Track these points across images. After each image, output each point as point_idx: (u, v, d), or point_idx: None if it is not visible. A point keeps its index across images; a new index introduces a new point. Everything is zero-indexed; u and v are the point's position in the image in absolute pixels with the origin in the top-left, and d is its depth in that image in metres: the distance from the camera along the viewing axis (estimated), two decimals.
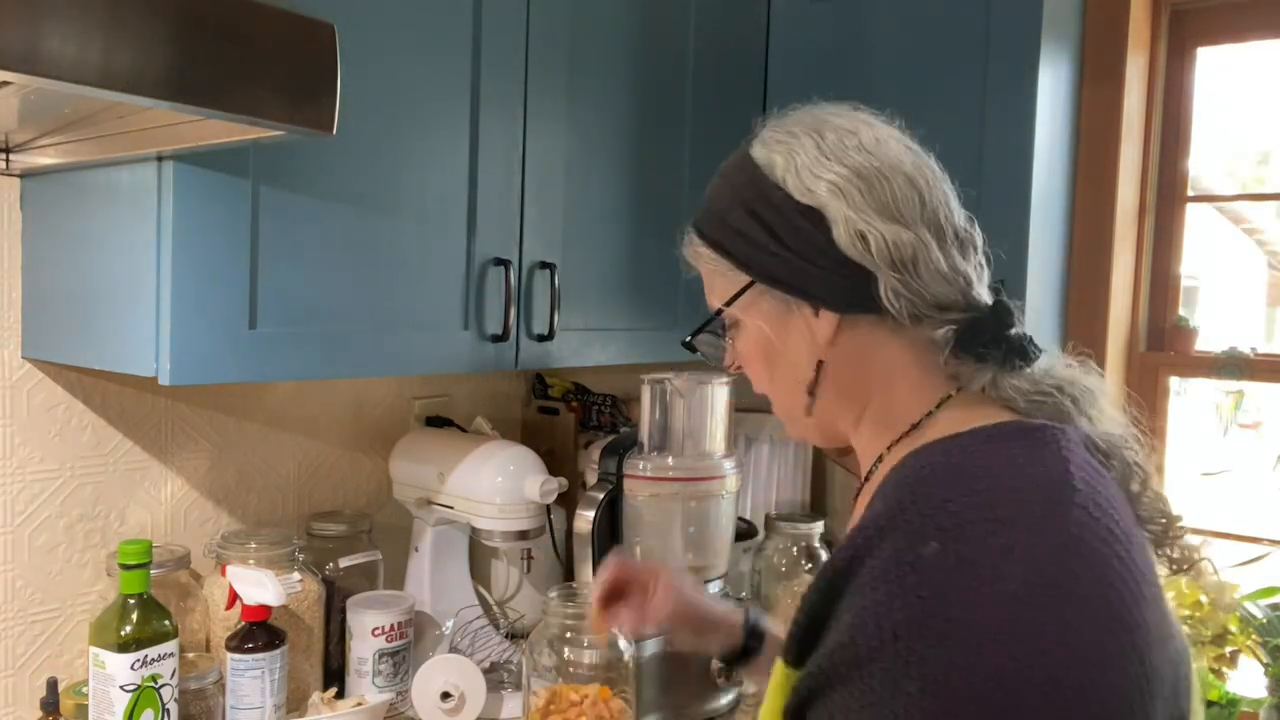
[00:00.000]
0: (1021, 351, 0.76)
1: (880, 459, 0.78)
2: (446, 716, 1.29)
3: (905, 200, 0.75)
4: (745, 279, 0.80)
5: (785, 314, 0.79)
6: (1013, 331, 0.76)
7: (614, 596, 1.08)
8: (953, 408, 0.76)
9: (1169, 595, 1.00)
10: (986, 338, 0.76)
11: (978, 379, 0.76)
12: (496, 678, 1.43)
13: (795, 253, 0.76)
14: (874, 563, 0.63)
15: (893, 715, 0.58)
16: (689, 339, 0.90)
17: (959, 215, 0.79)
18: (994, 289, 0.79)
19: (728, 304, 0.82)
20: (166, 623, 1.11)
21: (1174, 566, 0.75)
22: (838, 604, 0.65)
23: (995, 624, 0.58)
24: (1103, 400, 0.76)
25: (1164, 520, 0.74)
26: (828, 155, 0.76)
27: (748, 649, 1.07)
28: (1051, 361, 0.78)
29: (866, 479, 0.80)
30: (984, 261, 0.80)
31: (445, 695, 1.28)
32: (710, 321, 0.86)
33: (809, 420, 0.83)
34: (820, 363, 0.79)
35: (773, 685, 0.70)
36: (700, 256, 0.84)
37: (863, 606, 0.62)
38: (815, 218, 0.75)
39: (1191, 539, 0.76)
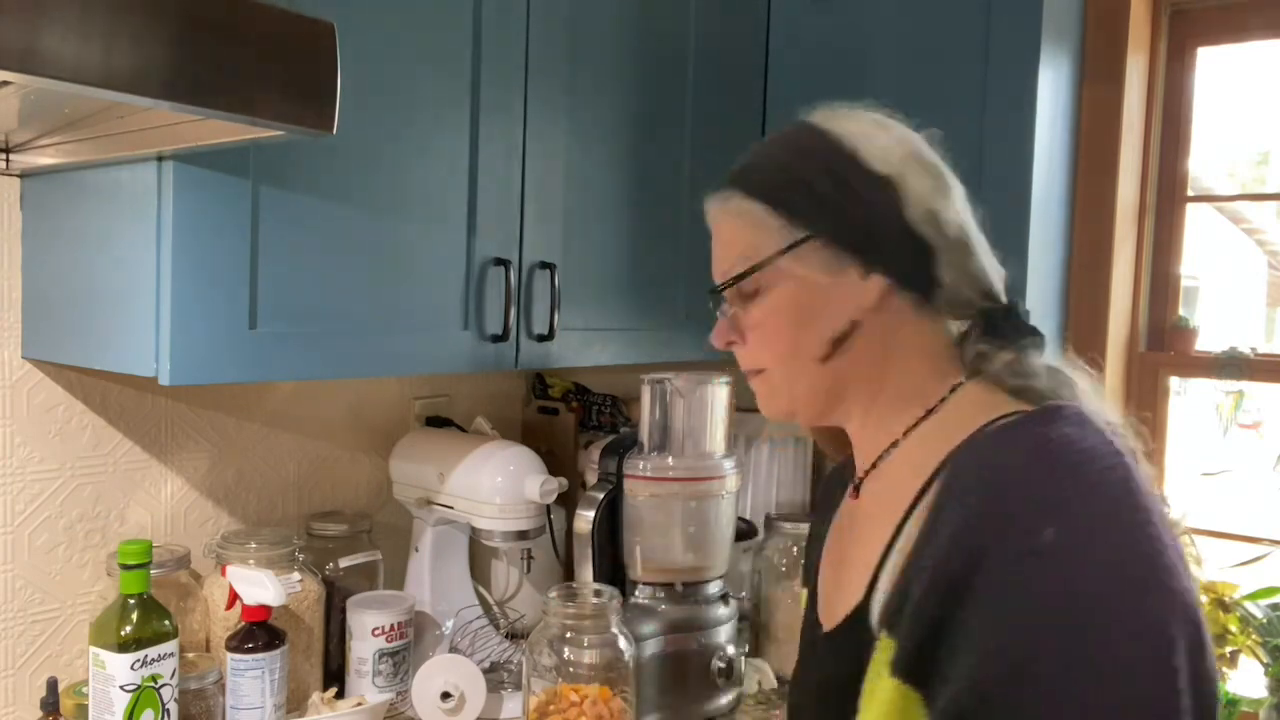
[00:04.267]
0: (1035, 335, 0.80)
1: (895, 444, 0.81)
2: (446, 716, 1.29)
3: (959, 195, 0.81)
4: (800, 234, 0.79)
5: (833, 272, 0.79)
6: (1027, 319, 0.81)
7: None
8: (966, 393, 0.79)
9: None
10: (1007, 324, 0.80)
11: (993, 364, 0.79)
12: (496, 678, 1.43)
13: (865, 214, 0.78)
14: (995, 563, 0.63)
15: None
16: (719, 287, 0.86)
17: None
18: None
19: (782, 252, 0.80)
20: (166, 623, 1.11)
21: None
22: (960, 611, 0.64)
23: (1133, 599, 0.61)
24: (1097, 388, 0.79)
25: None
26: (896, 142, 0.81)
27: None
28: (1045, 352, 0.82)
29: (874, 464, 0.83)
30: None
31: (445, 695, 1.28)
32: (749, 273, 0.82)
33: (835, 396, 0.83)
34: (855, 323, 0.79)
35: (885, 705, 0.69)
36: (739, 213, 0.83)
37: (999, 611, 0.62)
38: (889, 188, 0.78)
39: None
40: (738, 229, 0.84)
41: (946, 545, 0.66)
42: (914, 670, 0.67)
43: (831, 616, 0.82)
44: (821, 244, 0.79)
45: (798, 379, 0.83)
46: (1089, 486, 0.64)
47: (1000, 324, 0.80)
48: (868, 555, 0.77)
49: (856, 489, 0.86)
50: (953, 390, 0.80)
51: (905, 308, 0.80)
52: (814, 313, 0.80)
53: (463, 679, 1.29)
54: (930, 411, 0.79)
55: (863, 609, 0.75)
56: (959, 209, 0.81)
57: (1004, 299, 0.82)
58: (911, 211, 0.78)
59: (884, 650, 0.70)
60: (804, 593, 0.96)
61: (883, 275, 0.78)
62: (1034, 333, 0.81)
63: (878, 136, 0.80)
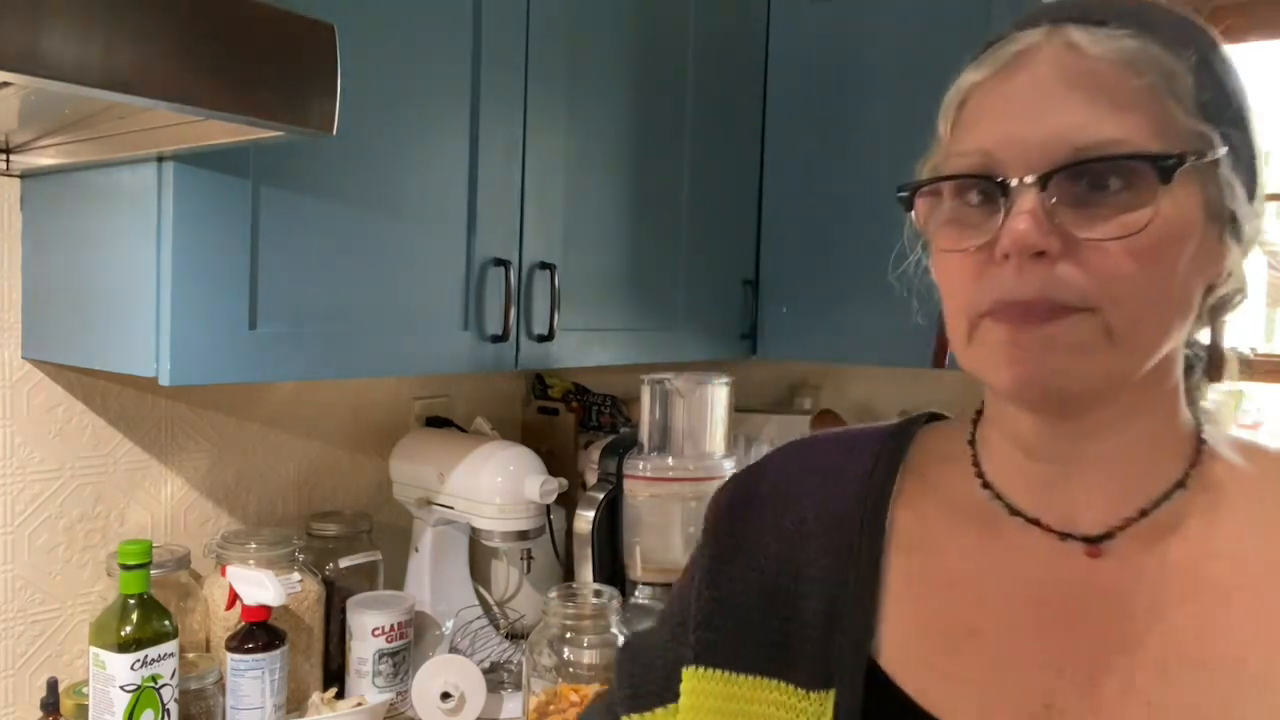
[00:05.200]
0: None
1: (1184, 484, 0.59)
2: (446, 716, 1.29)
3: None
4: (1212, 139, 0.54)
5: (1203, 220, 0.55)
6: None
7: None
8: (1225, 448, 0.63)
9: None
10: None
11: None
12: (496, 678, 1.43)
13: (1250, 161, 0.57)
14: None
15: None
16: (1103, 158, 0.53)
17: None
18: None
19: (1195, 158, 0.53)
20: (166, 623, 1.11)
21: None
22: None
23: None
24: None
25: None
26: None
27: None
28: None
29: (1142, 513, 0.59)
30: None
31: (445, 695, 1.28)
32: (1171, 161, 0.52)
33: (1143, 366, 0.56)
34: (1211, 289, 0.58)
35: None
36: (1154, 67, 0.54)
37: None
38: (1247, 126, 0.57)
39: None
40: (1140, 92, 0.54)
41: None
42: None
43: None
44: (1222, 168, 0.55)
45: (1150, 336, 0.55)
46: None
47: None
48: (1247, 645, 0.54)
49: (1093, 541, 0.59)
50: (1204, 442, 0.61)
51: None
52: (1181, 254, 0.55)
53: (463, 679, 1.29)
54: (1202, 442, 0.61)
55: None
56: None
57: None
58: (1261, 183, 0.58)
59: None
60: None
61: (1240, 250, 0.58)
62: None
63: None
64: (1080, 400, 0.57)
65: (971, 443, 0.66)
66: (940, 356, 0.72)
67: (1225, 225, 0.57)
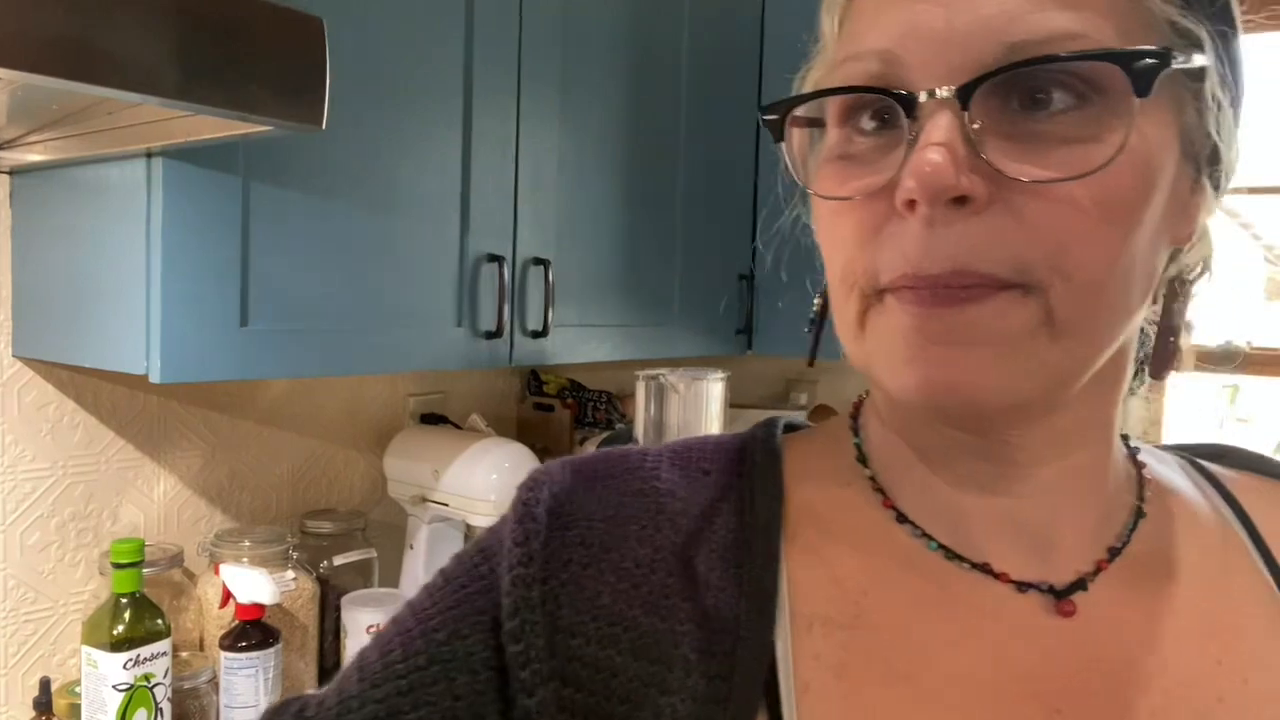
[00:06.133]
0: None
1: (1140, 516, 0.46)
2: None
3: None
4: (1205, 49, 0.40)
5: (1177, 154, 0.41)
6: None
7: None
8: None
9: None
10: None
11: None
12: None
13: (1236, 65, 0.43)
14: None
15: None
16: (986, 76, 0.37)
17: None
18: None
19: (1158, 61, 0.37)
20: (159, 622, 1.11)
21: None
22: None
23: None
24: None
25: None
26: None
27: None
28: None
29: (1117, 550, 0.45)
30: None
31: None
32: (1093, 58, 0.37)
33: (1100, 358, 0.41)
34: (1175, 254, 0.44)
35: None
36: None
37: None
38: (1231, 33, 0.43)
39: None
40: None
41: None
42: None
43: None
44: (1195, 96, 0.41)
45: (1106, 315, 0.40)
46: None
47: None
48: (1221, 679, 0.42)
49: (1062, 595, 0.44)
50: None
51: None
52: (1149, 198, 0.40)
53: None
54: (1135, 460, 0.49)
55: None
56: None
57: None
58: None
59: None
60: None
61: (1214, 187, 0.44)
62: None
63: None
64: (1014, 413, 0.42)
65: (862, 461, 0.48)
66: (814, 347, 0.52)
67: (1203, 164, 0.42)
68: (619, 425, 1.76)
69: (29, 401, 1.23)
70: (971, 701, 0.41)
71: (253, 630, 1.19)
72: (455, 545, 1.56)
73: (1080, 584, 0.44)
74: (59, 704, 1.15)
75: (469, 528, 1.45)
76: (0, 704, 1.23)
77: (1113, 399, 0.45)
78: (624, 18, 1.50)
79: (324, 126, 0.86)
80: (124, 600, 1.09)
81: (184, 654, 1.24)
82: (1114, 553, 0.45)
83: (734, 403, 1.48)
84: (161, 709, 1.10)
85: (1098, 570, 0.44)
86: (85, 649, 1.08)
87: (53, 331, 1.15)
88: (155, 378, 0.99)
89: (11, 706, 1.23)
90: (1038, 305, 0.38)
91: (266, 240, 1.06)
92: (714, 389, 1.43)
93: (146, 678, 1.09)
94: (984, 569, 0.44)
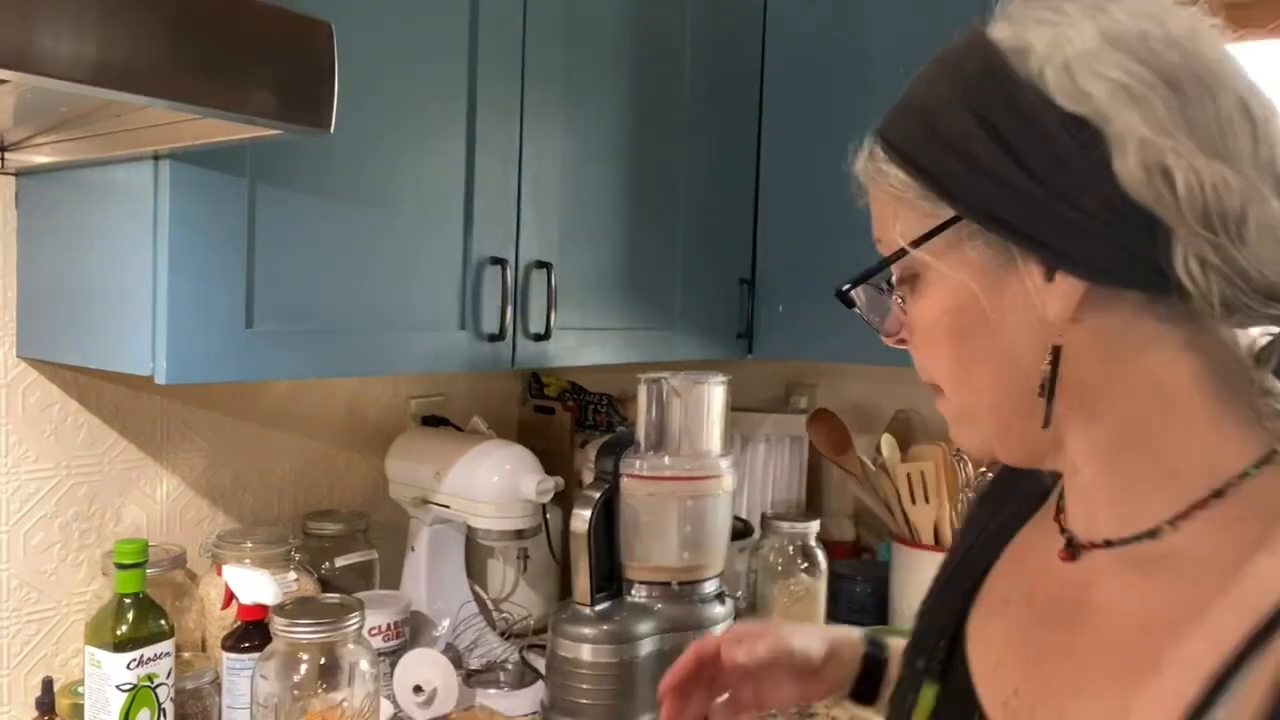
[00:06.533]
0: None
1: (1158, 531, 0.54)
2: (419, 709, 1.29)
3: (1235, 129, 0.50)
4: (949, 213, 0.54)
5: (1002, 270, 0.54)
6: None
7: (690, 683, 0.83)
8: None
9: None
10: None
11: None
12: (493, 677, 1.43)
13: (1043, 182, 0.51)
14: None
15: None
16: (846, 287, 0.61)
17: None
18: None
19: (915, 244, 0.56)
20: (162, 622, 1.11)
21: None
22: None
23: None
24: None
25: None
26: (1117, 44, 0.50)
27: (862, 692, 0.84)
28: None
29: (1123, 542, 0.56)
30: None
31: (417, 689, 1.28)
32: (881, 267, 0.59)
33: (998, 416, 0.58)
34: (1057, 350, 0.54)
35: None
36: (882, 176, 0.58)
37: None
38: (1087, 135, 0.50)
39: None
40: (884, 198, 0.59)
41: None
42: None
43: None
44: (974, 228, 0.54)
45: (982, 410, 0.59)
46: None
47: None
48: (1132, 700, 0.51)
49: (1071, 549, 0.60)
50: (1262, 463, 0.52)
51: (1138, 320, 0.53)
52: (978, 326, 0.56)
53: (435, 674, 1.30)
54: (1220, 493, 0.52)
55: None
56: (1241, 145, 0.50)
57: None
58: (1126, 168, 0.49)
59: None
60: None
61: (1075, 275, 0.52)
62: None
63: (1080, 39, 0.51)
64: (1015, 459, 0.61)
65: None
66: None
67: (1035, 262, 0.53)
68: (620, 428, 1.76)
69: (33, 402, 1.23)
70: (1023, 591, 0.64)
71: (255, 631, 1.19)
72: (456, 547, 1.56)
73: (1086, 546, 0.59)
74: (61, 704, 1.15)
75: (470, 529, 1.45)
76: (3, 704, 1.23)
77: (1125, 430, 0.55)
78: (627, 22, 1.50)
79: (332, 130, 0.86)
80: (127, 600, 1.09)
81: (186, 654, 1.24)
82: (1112, 544, 0.57)
83: (735, 406, 1.49)
84: (164, 709, 1.11)
85: (1099, 546, 0.58)
86: (89, 649, 1.08)
87: (58, 332, 1.16)
88: (161, 379, 0.99)
89: (14, 706, 1.23)
90: (949, 401, 0.62)
91: (272, 242, 1.07)
92: (715, 392, 1.43)
93: (150, 678, 1.09)
94: (1057, 519, 0.63)
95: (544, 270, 1.37)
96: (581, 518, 1.40)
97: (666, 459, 1.41)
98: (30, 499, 1.24)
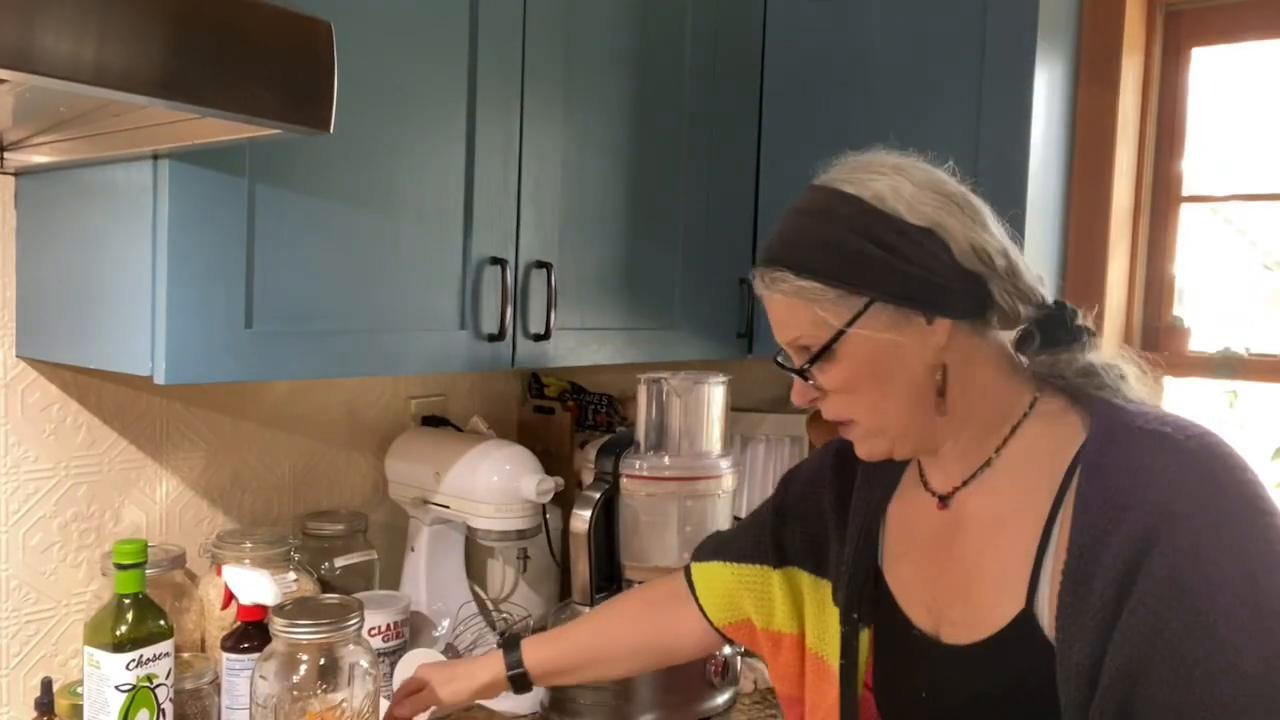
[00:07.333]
0: (1089, 334, 0.88)
1: (989, 462, 0.89)
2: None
3: (989, 217, 0.87)
4: (860, 301, 0.84)
5: (898, 328, 0.85)
6: (1079, 321, 0.88)
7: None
8: (1045, 407, 0.88)
9: None
10: (1060, 328, 0.87)
11: (1060, 370, 0.87)
12: None
13: (918, 267, 0.83)
14: (1166, 555, 0.73)
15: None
16: (797, 369, 0.90)
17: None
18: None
19: (849, 324, 0.85)
20: (162, 622, 1.11)
21: None
22: (1129, 594, 0.73)
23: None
24: (1142, 376, 0.89)
25: None
26: (925, 187, 0.85)
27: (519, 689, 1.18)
28: (1099, 347, 0.90)
29: (966, 481, 0.90)
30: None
31: None
32: (825, 349, 0.87)
33: (927, 431, 0.89)
34: (945, 367, 0.86)
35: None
36: (796, 291, 0.86)
37: (1181, 590, 0.72)
38: (932, 237, 0.83)
39: None
40: (795, 306, 0.87)
41: (1124, 544, 0.74)
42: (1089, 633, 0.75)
43: (971, 629, 0.86)
44: (883, 304, 0.84)
45: (911, 419, 0.88)
46: (1233, 476, 0.75)
47: (1054, 330, 0.87)
48: (1004, 565, 0.84)
49: (943, 500, 0.92)
50: (1032, 405, 0.88)
51: (972, 337, 0.86)
52: (891, 367, 0.86)
53: None
54: (1015, 429, 0.88)
55: (1025, 617, 0.81)
56: (995, 232, 0.86)
57: (1050, 302, 0.88)
58: (958, 251, 0.83)
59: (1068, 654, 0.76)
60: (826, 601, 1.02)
61: (945, 316, 0.84)
62: (1088, 332, 0.88)
63: (904, 187, 0.84)
64: (906, 454, 0.93)
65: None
66: None
67: (918, 315, 0.84)
68: (620, 428, 1.76)
69: (32, 402, 1.23)
70: (917, 539, 0.95)
71: (254, 631, 1.19)
72: (456, 547, 1.56)
73: (949, 495, 0.92)
74: (60, 704, 1.15)
75: (470, 529, 1.45)
76: (2, 704, 1.23)
77: (976, 418, 0.89)
78: (627, 22, 1.50)
79: (332, 130, 0.86)
80: (126, 601, 1.09)
81: (186, 655, 1.24)
82: (964, 483, 0.91)
83: (735, 406, 1.49)
84: (163, 710, 1.11)
85: (953, 491, 0.92)
86: (88, 649, 1.08)
87: (57, 333, 1.16)
88: (160, 379, 0.99)
89: (13, 707, 1.23)
90: (860, 428, 0.93)
91: (271, 243, 1.07)
92: (715, 392, 1.43)
93: (149, 678, 1.09)
94: (926, 486, 0.96)
95: (544, 270, 1.37)
96: (581, 518, 1.40)
97: (666, 459, 1.41)
98: (29, 499, 1.24)
